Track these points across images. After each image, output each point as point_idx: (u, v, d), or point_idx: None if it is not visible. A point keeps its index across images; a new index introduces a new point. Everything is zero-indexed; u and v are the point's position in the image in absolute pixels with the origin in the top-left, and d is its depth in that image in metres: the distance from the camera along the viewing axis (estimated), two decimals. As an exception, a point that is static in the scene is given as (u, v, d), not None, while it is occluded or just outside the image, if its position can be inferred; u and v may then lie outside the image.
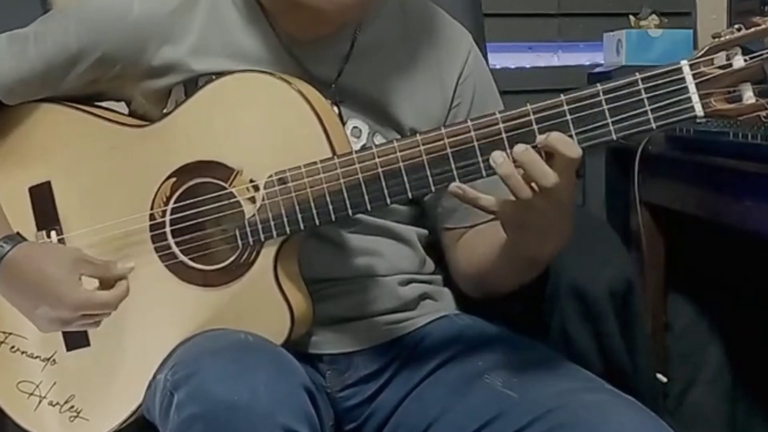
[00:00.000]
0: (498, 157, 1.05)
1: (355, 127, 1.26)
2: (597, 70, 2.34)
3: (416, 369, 1.25)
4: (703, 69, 1.02)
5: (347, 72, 1.25)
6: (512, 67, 2.44)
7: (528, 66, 2.48)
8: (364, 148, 1.16)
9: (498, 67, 2.33)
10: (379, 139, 1.27)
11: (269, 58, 1.23)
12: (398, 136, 1.27)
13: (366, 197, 1.12)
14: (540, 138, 1.04)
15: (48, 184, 1.26)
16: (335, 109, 1.23)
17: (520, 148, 1.04)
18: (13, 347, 1.28)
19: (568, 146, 1.04)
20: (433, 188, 1.09)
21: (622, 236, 1.75)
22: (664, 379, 2.06)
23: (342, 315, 1.26)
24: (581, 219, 1.48)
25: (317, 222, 1.14)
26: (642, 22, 2.27)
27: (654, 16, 2.27)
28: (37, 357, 1.27)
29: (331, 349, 1.26)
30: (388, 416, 1.25)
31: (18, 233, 1.23)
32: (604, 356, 1.33)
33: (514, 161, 1.04)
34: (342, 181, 1.12)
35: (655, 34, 2.25)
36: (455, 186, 1.07)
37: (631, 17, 2.31)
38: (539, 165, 1.03)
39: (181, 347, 1.16)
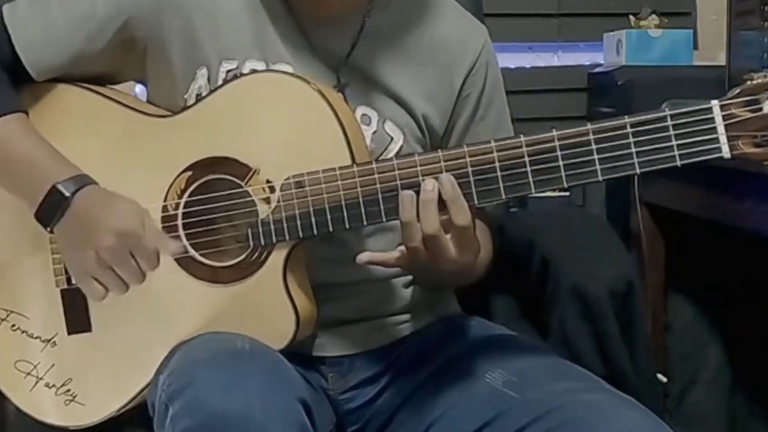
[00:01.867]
0: (405, 197, 1.09)
1: (364, 115, 1.26)
2: (597, 70, 2.34)
3: (417, 370, 1.25)
4: (733, 111, 1.02)
5: (357, 52, 1.25)
6: (512, 67, 2.44)
7: (528, 66, 2.48)
8: (380, 160, 1.15)
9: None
10: (389, 126, 1.27)
11: (281, 33, 1.23)
12: (410, 121, 1.27)
13: (382, 209, 1.11)
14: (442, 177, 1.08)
15: None
16: (341, 95, 1.23)
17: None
18: (14, 326, 1.28)
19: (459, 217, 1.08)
20: None
21: (622, 236, 1.75)
22: (664, 379, 2.06)
23: (345, 318, 1.26)
24: (581, 219, 1.48)
25: (331, 229, 1.13)
26: (642, 22, 2.28)
27: (654, 16, 2.28)
28: (37, 337, 1.27)
29: (333, 351, 1.26)
30: (389, 417, 1.25)
31: (87, 175, 1.21)
32: (604, 356, 1.33)
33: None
34: (360, 190, 1.12)
35: (655, 34, 2.25)
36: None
37: (631, 17, 2.31)
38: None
39: (180, 348, 1.16)
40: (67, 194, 1.17)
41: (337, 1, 1.23)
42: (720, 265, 2.04)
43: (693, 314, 2.14)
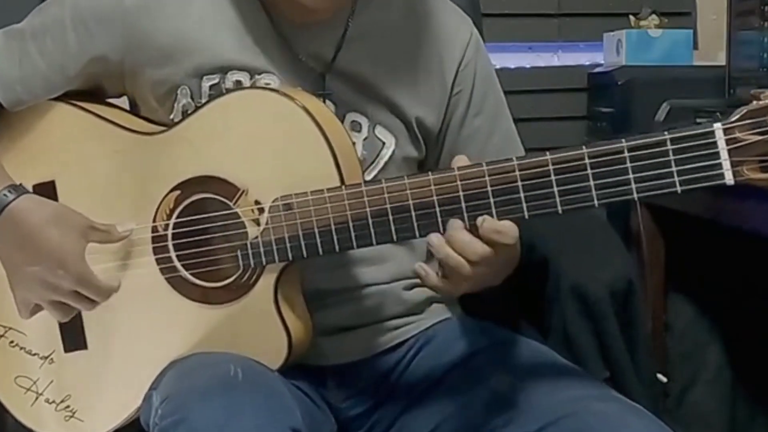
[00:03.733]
0: (434, 239, 1.06)
1: (353, 121, 1.24)
2: (597, 70, 2.34)
3: (421, 375, 1.24)
4: (737, 135, 0.97)
5: (342, 56, 1.24)
6: (512, 67, 2.44)
7: (528, 66, 2.48)
8: (370, 182, 1.13)
9: (498, 67, 2.31)
10: (380, 131, 1.25)
11: (263, 41, 1.22)
12: (402, 125, 1.26)
13: (372, 232, 1.09)
14: (478, 220, 1.04)
15: (52, 183, 1.25)
16: (330, 105, 1.22)
17: (453, 225, 1.05)
18: (12, 342, 1.28)
19: (502, 235, 1.04)
20: (442, 229, 1.07)
21: (622, 236, 1.75)
22: (664, 379, 2.06)
23: (344, 324, 1.25)
24: (581, 219, 1.48)
25: (320, 251, 1.12)
26: (642, 22, 2.28)
27: (654, 16, 2.28)
28: (35, 354, 1.27)
29: (333, 360, 1.24)
30: (392, 423, 1.24)
31: (21, 185, 1.20)
32: (605, 356, 1.33)
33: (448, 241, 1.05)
34: (349, 213, 1.10)
35: (655, 34, 2.25)
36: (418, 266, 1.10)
37: (631, 17, 2.31)
38: (470, 246, 1.05)
39: (174, 366, 1.15)
40: None
41: (319, 5, 1.20)
42: (720, 265, 2.04)
43: (693, 314, 2.14)
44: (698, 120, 1.85)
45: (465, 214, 1.06)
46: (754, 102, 0.97)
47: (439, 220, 1.07)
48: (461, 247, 1.05)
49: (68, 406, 1.25)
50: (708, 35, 2.43)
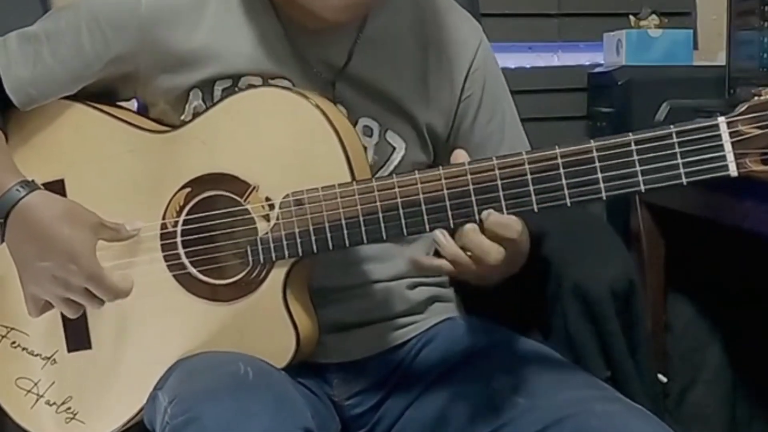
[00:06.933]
0: (440, 238, 1.06)
1: (365, 126, 1.25)
2: (597, 70, 2.34)
3: (423, 373, 1.24)
4: (740, 128, 1.00)
5: (354, 62, 1.24)
6: (512, 67, 2.44)
7: (528, 66, 2.48)
8: (380, 177, 1.13)
9: (498, 67, 2.33)
10: (390, 135, 1.26)
11: (276, 47, 1.22)
12: (412, 130, 1.26)
13: (383, 227, 1.10)
14: (483, 214, 1.05)
15: (61, 182, 1.25)
16: (342, 109, 1.22)
17: (467, 227, 1.06)
18: (14, 343, 1.28)
19: (506, 228, 1.05)
20: (452, 224, 1.07)
21: (622, 236, 1.75)
22: (664, 379, 2.06)
23: (350, 321, 1.25)
24: (582, 219, 1.48)
25: (331, 246, 1.12)
26: (642, 22, 2.28)
27: (654, 16, 2.28)
28: (37, 355, 1.27)
29: (338, 357, 1.25)
30: (394, 422, 1.24)
31: (33, 181, 1.20)
32: (606, 356, 1.33)
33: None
34: (360, 208, 1.10)
35: (655, 34, 2.25)
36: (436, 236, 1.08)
37: (631, 17, 2.31)
38: (481, 247, 1.05)
39: (180, 365, 1.15)
40: None
41: (332, 13, 1.21)
42: (720, 265, 2.04)
43: (693, 314, 2.14)
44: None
45: (475, 208, 1.07)
46: (756, 98, 1.01)
47: (449, 214, 1.07)
48: (473, 247, 1.06)
49: (69, 408, 1.25)
50: (708, 35, 2.43)
